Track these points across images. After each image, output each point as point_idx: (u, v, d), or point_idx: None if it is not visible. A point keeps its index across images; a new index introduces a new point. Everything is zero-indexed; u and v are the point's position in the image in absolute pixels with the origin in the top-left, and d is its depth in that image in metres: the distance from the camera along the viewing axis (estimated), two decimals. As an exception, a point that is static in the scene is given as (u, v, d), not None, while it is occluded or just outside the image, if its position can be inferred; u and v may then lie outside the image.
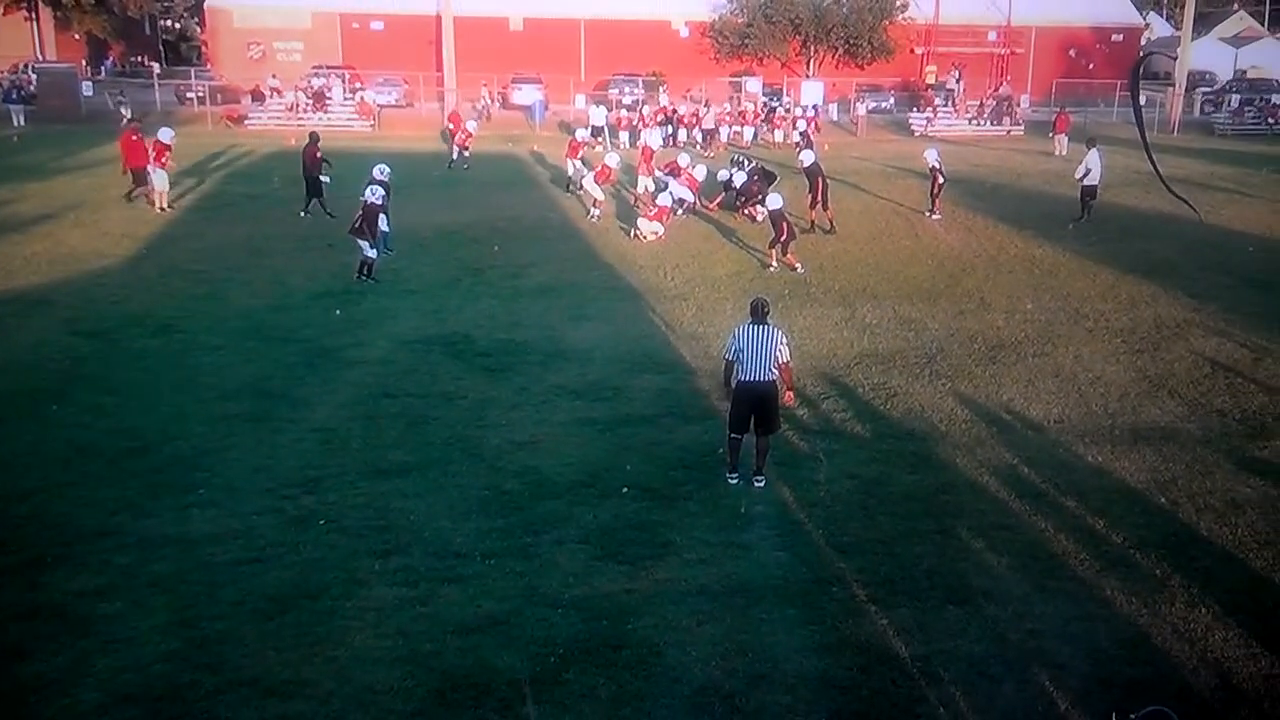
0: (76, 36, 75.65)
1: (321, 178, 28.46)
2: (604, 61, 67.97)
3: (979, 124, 57.29)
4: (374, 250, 22.00)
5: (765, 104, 56.94)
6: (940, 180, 30.04)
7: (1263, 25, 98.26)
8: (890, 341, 18.17)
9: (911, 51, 69.33)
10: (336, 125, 52.84)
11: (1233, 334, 18.55)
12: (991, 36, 72.82)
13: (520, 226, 28.24)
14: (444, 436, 13.81)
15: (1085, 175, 29.05)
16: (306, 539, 10.97)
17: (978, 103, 60.37)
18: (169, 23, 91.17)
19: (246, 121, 53.13)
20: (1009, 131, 56.56)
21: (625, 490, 12.22)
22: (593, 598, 9.91)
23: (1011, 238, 27.00)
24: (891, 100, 65.18)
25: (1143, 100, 56.15)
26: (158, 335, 18.15)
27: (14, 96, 53.26)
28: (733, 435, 12.54)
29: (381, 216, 22.94)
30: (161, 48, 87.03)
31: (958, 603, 9.85)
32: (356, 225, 21.71)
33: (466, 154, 39.66)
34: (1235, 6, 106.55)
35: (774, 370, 12.18)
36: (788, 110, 54.15)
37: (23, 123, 49.89)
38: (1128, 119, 56.17)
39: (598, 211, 29.47)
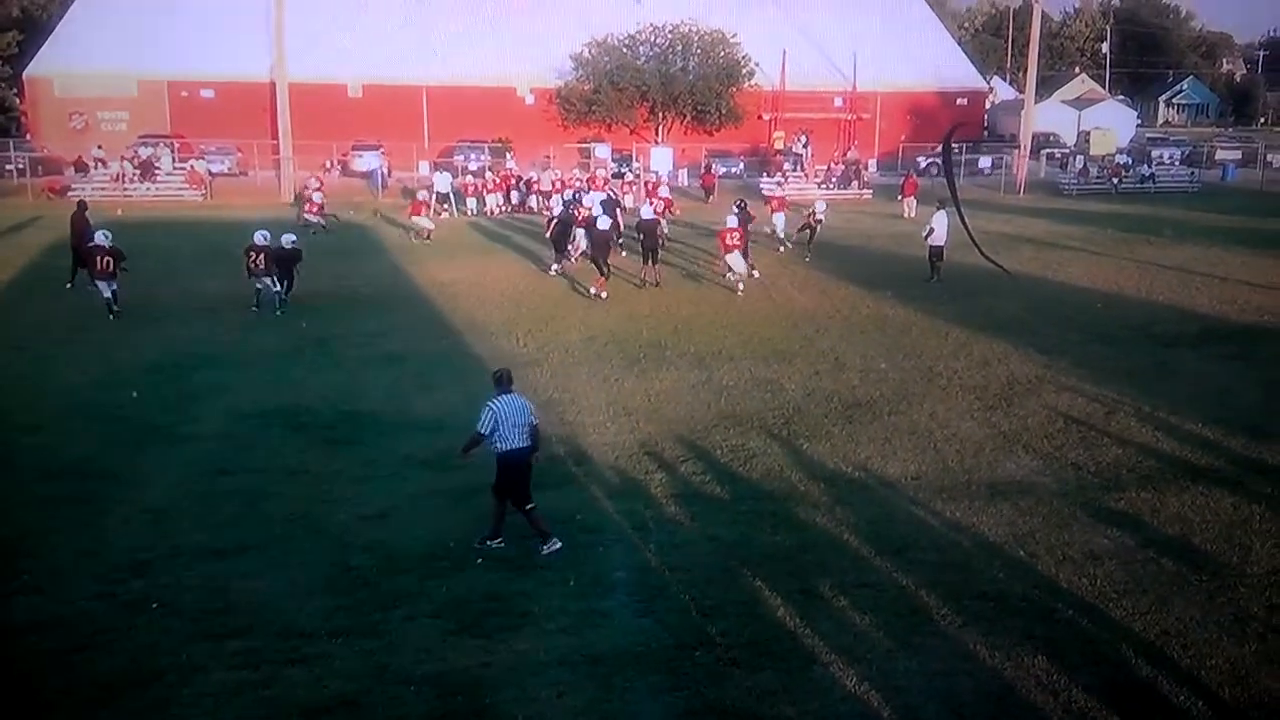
0: (-117, 110, 73.09)
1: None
2: (448, 128, 68.13)
3: (828, 187, 58.62)
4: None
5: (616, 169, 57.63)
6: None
7: (1104, 89, 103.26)
8: (747, 403, 18.37)
9: (759, 118, 70.94)
10: (166, 195, 51.99)
11: (1084, 389, 19.15)
12: (838, 103, 74.88)
13: (365, 295, 28.00)
14: (285, 513, 13.49)
15: (929, 235, 30.00)
16: (138, 624, 10.63)
17: (825, 167, 61.94)
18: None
19: (69, 193, 51.62)
20: (860, 195, 58.07)
21: (479, 561, 12.11)
22: (448, 673, 9.75)
23: (863, 298, 27.62)
24: (741, 165, 66.50)
25: (986, 163, 58.49)
26: (-35, 418, 17.45)
27: None
28: (501, 504, 12.52)
29: (267, 281, 25.73)
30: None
31: (822, 662, 9.91)
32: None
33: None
34: (1077, 70, 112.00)
35: (529, 436, 12.42)
36: (637, 175, 54.76)
37: None
38: (975, 182, 58.35)
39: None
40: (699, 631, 10.52)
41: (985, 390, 19.11)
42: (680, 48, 68.09)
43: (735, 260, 28.43)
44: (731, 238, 28.20)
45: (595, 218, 29.21)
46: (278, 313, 25.33)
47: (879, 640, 10.35)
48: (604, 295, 27.28)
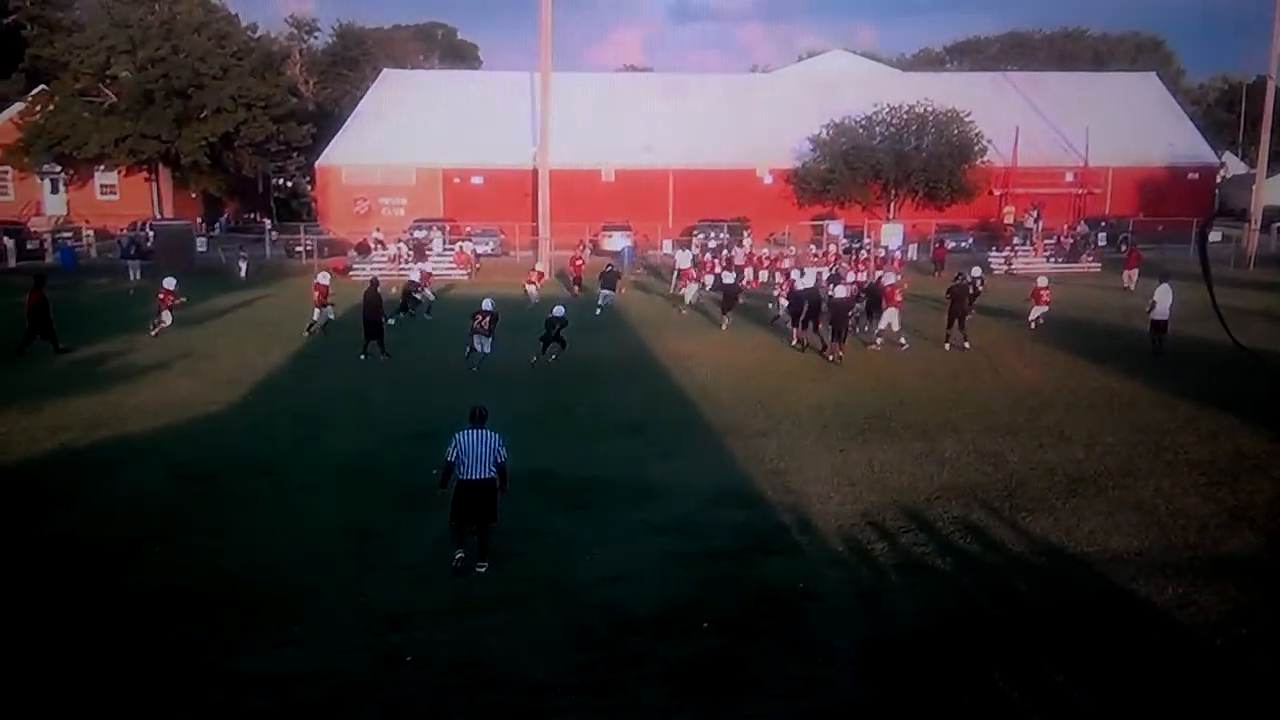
0: (193, 195, 78.28)
1: (389, 321, 31.26)
2: (691, 208, 69.00)
3: (1057, 261, 56.91)
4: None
5: (847, 245, 57.26)
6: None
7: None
8: (970, 475, 17.85)
9: (990, 193, 69.58)
10: (437, 274, 53.95)
11: (1316, 465, 17.94)
12: (1069, 177, 72.71)
13: (606, 366, 28.48)
14: (529, 573, 13.72)
15: (1151, 309, 28.81)
16: (395, 677, 10.92)
17: (1054, 240, 60.20)
18: (281, 181, 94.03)
19: (351, 272, 54.24)
20: (1087, 267, 56.17)
21: (706, 625, 12.03)
22: (674, 735, 9.70)
23: (1090, 372, 26.63)
24: (970, 240, 65.09)
25: (1216, 237, 55.93)
26: (260, 478, 18.30)
27: (132, 252, 55.30)
28: (453, 524, 13.84)
29: (486, 341, 27.83)
30: (273, 204, 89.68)
31: (1040, 739, 9.50)
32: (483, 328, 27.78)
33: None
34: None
35: (494, 468, 13.71)
36: (868, 251, 54.31)
37: (139, 277, 50.70)
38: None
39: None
40: (919, 702, 10.21)
41: (1212, 465, 18.09)
42: (915, 127, 67.56)
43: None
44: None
45: (835, 287, 30.12)
46: (474, 370, 27.26)
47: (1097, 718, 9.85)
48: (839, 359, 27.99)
